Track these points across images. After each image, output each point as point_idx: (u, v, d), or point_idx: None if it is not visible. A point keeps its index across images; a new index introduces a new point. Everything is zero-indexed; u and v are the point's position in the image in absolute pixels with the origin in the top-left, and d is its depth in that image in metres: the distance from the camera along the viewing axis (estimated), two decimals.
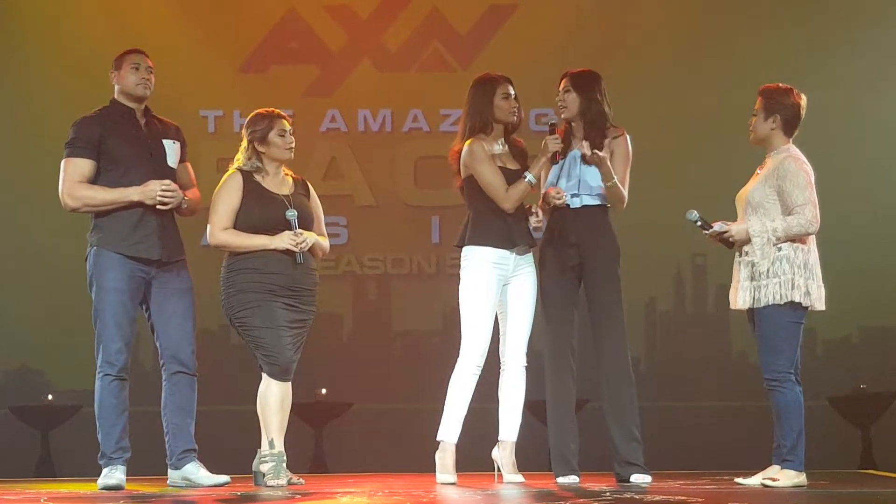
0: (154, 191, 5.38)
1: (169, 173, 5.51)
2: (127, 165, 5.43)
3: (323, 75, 9.61)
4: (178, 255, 5.55)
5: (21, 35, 9.34)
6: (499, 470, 5.64)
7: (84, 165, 5.41)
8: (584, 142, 5.56)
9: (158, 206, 5.41)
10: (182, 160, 5.64)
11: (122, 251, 5.40)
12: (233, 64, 9.52)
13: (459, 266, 5.64)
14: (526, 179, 5.51)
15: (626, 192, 5.58)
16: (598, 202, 5.61)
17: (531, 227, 5.60)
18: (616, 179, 5.51)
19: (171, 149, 5.57)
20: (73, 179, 5.40)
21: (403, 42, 9.60)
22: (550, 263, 5.62)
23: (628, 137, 5.66)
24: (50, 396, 8.87)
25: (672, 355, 9.48)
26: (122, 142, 5.45)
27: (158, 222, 5.45)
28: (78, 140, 5.43)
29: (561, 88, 5.66)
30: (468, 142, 5.59)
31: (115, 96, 5.57)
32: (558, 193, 5.51)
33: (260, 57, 9.56)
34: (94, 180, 5.43)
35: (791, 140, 5.45)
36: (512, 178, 5.54)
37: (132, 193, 5.38)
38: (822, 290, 5.36)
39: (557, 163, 5.58)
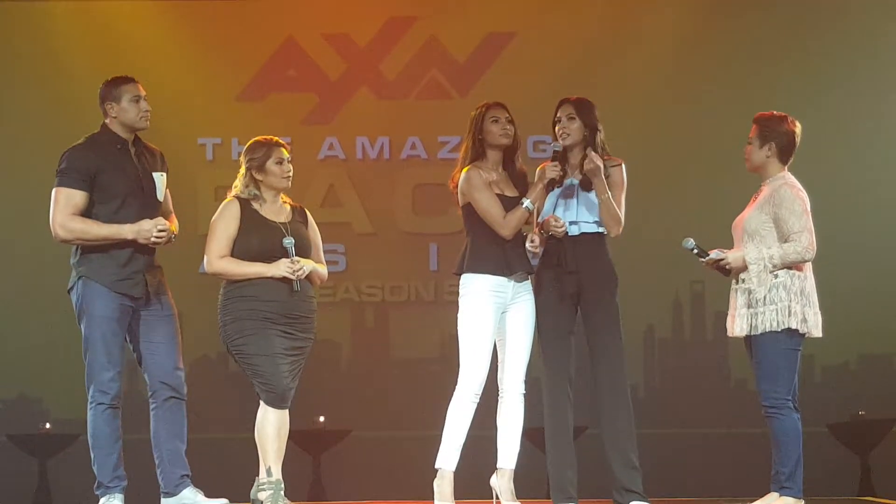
0: (149, 231, 5.38)
1: (157, 206, 5.53)
2: (121, 201, 5.42)
3: (321, 103, 9.64)
4: (162, 289, 5.56)
5: (17, 63, 9.37)
6: (497, 498, 5.62)
7: (77, 197, 5.38)
8: (590, 151, 5.52)
9: (151, 244, 5.42)
10: None
11: (109, 286, 5.40)
12: (231, 92, 9.56)
13: (458, 293, 5.64)
14: (524, 206, 5.52)
15: (622, 217, 5.59)
16: (596, 230, 5.61)
17: (528, 253, 5.60)
18: (610, 195, 5.52)
19: (160, 181, 5.56)
20: (67, 211, 5.37)
21: (401, 70, 9.64)
22: (548, 291, 5.61)
23: (624, 167, 5.67)
24: (48, 425, 8.86)
25: (670, 382, 9.47)
26: (117, 177, 5.43)
27: (146, 260, 5.46)
28: (71, 170, 5.39)
29: (563, 116, 5.63)
30: (465, 169, 5.61)
31: (109, 124, 5.52)
32: (557, 222, 5.52)
33: (258, 85, 9.60)
34: (86, 212, 5.41)
35: (787, 167, 5.47)
36: (510, 204, 5.55)
37: (126, 232, 5.37)
38: (819, 316, 5.37)
39: (554, 189, 5.59)
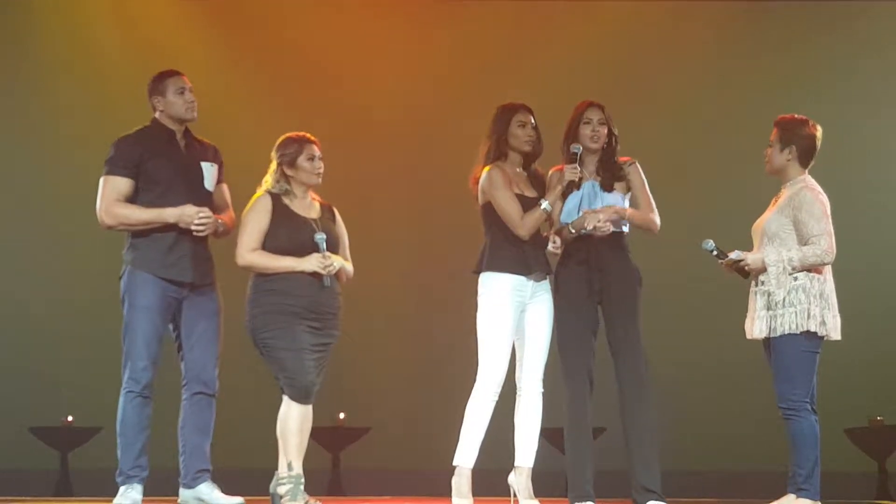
0: (191, 216, 5.44)
1: (205, 196, 5.59)
2: (165, 187, 5.50)
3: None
4: (209, 279, 5.62)
5: (43, 51, 9.42)
6: (515, 496, 5.65)
7: (122, 184, 5.48)
8: (590, 216, 5.55)
9: (193, 232, 5.47)
10: (219, 181, 5.71)
11: (155, 272, 5.47)
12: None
13: (477, 292, 5.67)
14: (542, 206, 5.56)
15: (657, 216, 5.63)
16: (619, 229, 5.65)
17: (549, 253, 5.63)
18: (632, 209, 5.58)
19: (209, 171, 5.63)
20: (111, 197, 5.46)
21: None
22: (570, 290, 5.62)
23: (638, 164, 5.71)
24: (70, 417, 8.91)
25: (687, 385, 9.44)
26: (161, 164, 5.51)
27: (192, 246, 5.52)
28: (118, 159, 5.49)
29: (594, 118, 5.65)
30: (486, 168, 5.65)
31: (157, 117, 5.61)
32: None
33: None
34: (132, 199, 5.49)
35: (807, 170, 5.49)
36: (529, 205, 5.58)
37: (168, 215, 5.45)
38: (838, 319, 5.39)
39: (572, 192, 5.61)
